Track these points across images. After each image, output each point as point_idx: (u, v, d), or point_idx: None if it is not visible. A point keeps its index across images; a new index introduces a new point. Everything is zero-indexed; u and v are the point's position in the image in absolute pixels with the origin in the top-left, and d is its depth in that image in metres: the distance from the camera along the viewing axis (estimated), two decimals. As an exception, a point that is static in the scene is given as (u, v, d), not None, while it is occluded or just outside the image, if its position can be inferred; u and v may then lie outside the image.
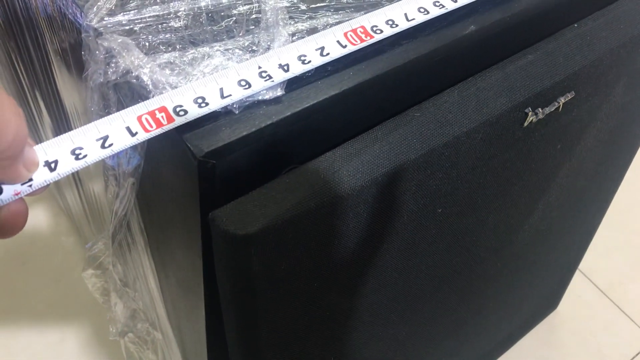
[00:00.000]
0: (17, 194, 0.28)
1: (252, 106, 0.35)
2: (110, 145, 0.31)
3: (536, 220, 0.67)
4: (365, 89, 0.38)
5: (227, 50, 0.37)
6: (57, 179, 0.30)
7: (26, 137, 0.27)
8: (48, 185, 0.30)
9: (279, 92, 0.35)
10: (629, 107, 0.62)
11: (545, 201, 0.65)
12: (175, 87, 0.34)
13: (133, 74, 0.34)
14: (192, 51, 0.36)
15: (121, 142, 0.31)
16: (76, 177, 0.74)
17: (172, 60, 0.35)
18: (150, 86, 0.34)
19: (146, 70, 0.34)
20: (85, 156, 0.30)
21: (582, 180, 0.68)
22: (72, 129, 0.61)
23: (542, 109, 0.47)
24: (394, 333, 0.59)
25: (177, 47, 0.37)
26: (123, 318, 0.53)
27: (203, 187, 0.34)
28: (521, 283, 0.80)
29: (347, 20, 0.40)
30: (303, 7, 0.41)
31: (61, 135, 0.31)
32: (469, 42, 0.42)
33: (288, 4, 0.40)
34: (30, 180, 0.29)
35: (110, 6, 0.39)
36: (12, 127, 0.25)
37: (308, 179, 0.36)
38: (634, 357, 0.98)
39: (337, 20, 0.40)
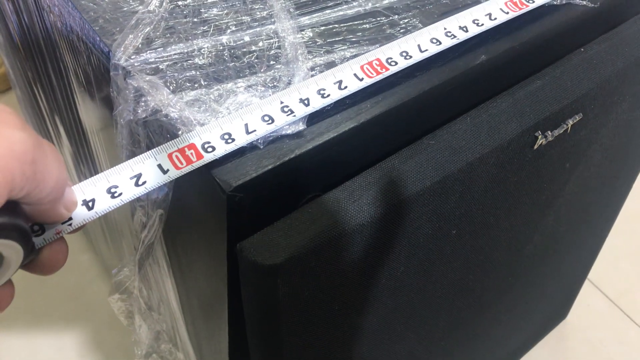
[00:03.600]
0: (58, 233, 0.30)
1: (275, 141, 0.36)
2: (144, 183, 0.33)
3: (546, 235, 0.68)
4: (382, 121, 0.40)
5: (250, 86, 0.39)
6: (95, 217, 0.31)
7: (66, 181, 0.28)
8: (87, 223, 0.31)
9: (301, 127, 0.37)
10: (633, 124, 0.64)
11: (555, 217, 0.66)
12: (203, 124, 0.35)
13: (162, 112, 0.36)
14: (217, 87, 0.38)
15: (154, 180, 0.33)
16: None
17: (198, 98, 0.37)
18: (179, 124, 0.35)
19: (175, 108, 0.36)
20: (120, 194, 0.32)
21: (590, 195, 0.70)
22: (92, 154, 0.63)
23: (551, 132, 0.49)
24: (410, 349, 0.60)
25: (203, 83, 0.38)
26: (147, 340, 0.55)
27: (230, 219, 0.35)
28: (532, 295, 0.82)
29: (363, 53, 0.41)
30: (320, 41, 0.42)
31: (97, 175, 0.32)
32: (480, 71, 0.43)
33: (306, 39, 0.42)
34: (70, 219, 0.31)
35: (137, 44, 0.40)
36: (54, 174, 0.26)
37: (329, 209, 0.38)
38: (644, 365, 0.99)
39: (353, 54, 0.41)
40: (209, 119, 0.36)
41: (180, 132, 0.35)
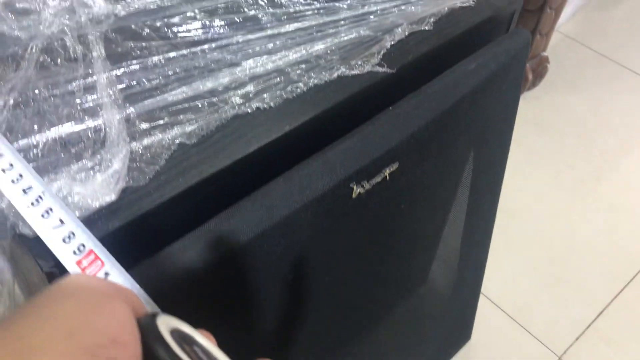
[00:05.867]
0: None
1: (90, 216, 0.43)
2: None
3: (399, 269, 0.75)
4: (193, 193, 0.46)
5: (76, 172, 0.45)
6: None
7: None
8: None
9: (113, 197, 0.43)
10: (466, 161, 0.72)
11: (408, 249, 0.74)
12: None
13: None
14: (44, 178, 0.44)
15: None
16: None
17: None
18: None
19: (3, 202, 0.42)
20: None
21: (425, 225, 0.78)
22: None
23: (368, 182, 0.57)
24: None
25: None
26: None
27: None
28: (412, 325, 0.89)
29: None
30: (144, 125, 0.49)
31: None
32: (287, 140, 0.51)
33: (129, 124, 0.49)
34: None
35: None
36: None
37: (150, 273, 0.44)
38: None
39: (170, 134, 0.49)
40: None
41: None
